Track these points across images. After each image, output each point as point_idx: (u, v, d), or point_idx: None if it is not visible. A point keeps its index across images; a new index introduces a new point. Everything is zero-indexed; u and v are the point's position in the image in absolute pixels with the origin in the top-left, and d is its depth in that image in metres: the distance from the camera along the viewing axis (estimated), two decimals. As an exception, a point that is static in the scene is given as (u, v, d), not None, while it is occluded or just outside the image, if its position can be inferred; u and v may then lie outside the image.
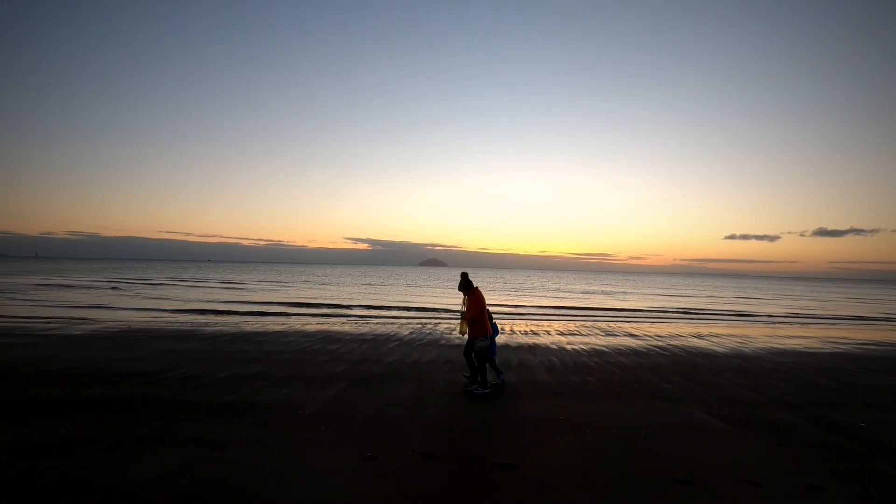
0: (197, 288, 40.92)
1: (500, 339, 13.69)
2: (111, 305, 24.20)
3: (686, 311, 28.74)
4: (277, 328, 15.48)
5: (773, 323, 23.51)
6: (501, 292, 45.68)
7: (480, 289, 7.42)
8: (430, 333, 14.64)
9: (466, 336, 7.26)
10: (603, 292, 50.25)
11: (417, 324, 17.68)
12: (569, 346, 12.47)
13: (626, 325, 19.62)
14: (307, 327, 15.87)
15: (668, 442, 5.13)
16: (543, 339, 13.85)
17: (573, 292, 49.23)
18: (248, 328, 15.31)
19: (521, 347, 12.19)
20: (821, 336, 16.97)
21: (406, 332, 14.69)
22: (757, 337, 16.03)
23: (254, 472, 4.07)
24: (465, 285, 7.21)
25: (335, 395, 6.84)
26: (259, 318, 19.67)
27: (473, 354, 7.13)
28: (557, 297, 39.79)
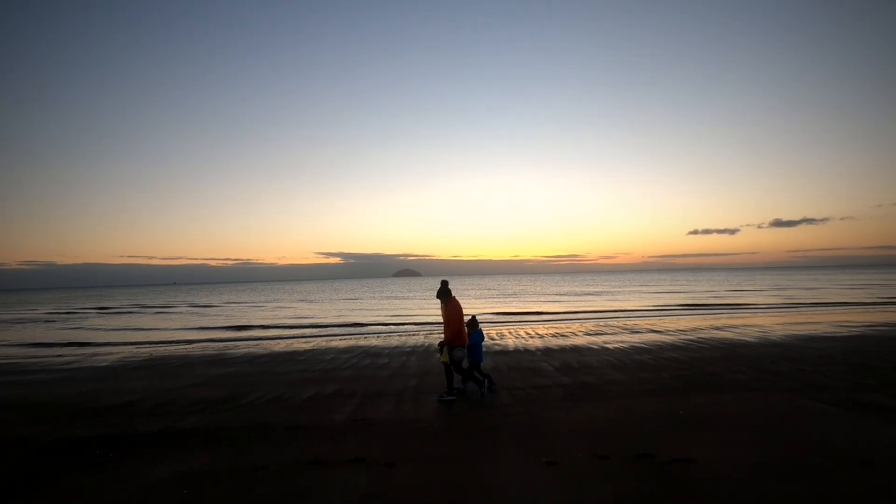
0: (169, 315, 39.56)
1: (537, 343, 13.84)
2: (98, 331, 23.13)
3: (686, 307, 29.53)
4: (307, 346, 15.17)
5: (772, 312, 24.46)
6: (489, 299, 45.89)
7: (458, 299, 7.41)
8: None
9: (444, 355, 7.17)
10: (589, 293, 51.14)
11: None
12: (610, 346, 12.67)
13: (641, 322, 20.06)
14: (335, 344, 15.60)
15: (806, 427, 5.30)
16: (578, 341, 14.02)
17: (563, 294, 49.96)
18: (278, 349, 14.94)
19: (564, 349, 12.32)
20: (827, 321, 17.75)
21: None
22: (771, 326, 16.64)
23: (451, 486, 4.02)
24: (444, 293, 7.22)
25: (441, 408, 6.79)
26: (276, 339, 19.19)
27: (452, 364, 7.06)
28: (552, 301, 40.29)
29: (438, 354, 7.11)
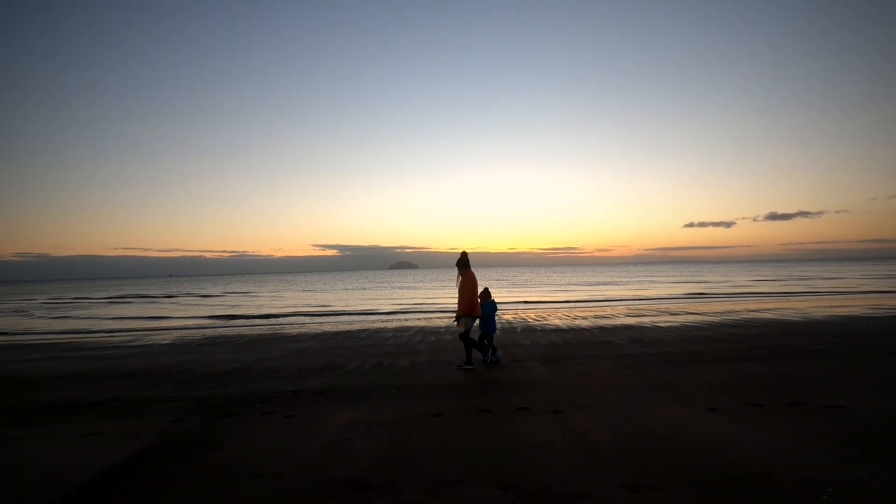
0: (181, 304, 39.73)
1: (585, 323, 14.20)
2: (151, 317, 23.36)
3: (704, 295, 29.96)
4: (358, 327, 15.45)
5: (796, 298, 24.93)
6: (505, 289, 46.32)
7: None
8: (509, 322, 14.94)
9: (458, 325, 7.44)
10: (600, 283, 51.67)
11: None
12: (663, 325, 13.03)
13: (672, 306, 20.48)
14: (385, 325, 15.91)
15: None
16: (625, 321, 14.36)
17: (574, 285, 50.44)
18: (332, 329, 15.22)
19: (618, 328, 12.63)
20: (859, 304, 18.20)
21: (507, 318, 14.91)
22: (805, 308, 17.07)
23: (637, 424, 4.35)
24: (463, 263, 7.49)
25: (551, 370, 7.12)
26: (316, 322, 19.47)
27: (461, 334, 7.35)
28: (567, 291, 40.74)
29: (455, 324, 7.42)
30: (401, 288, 50.63)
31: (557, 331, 12.42)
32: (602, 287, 41.38)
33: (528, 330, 12.63)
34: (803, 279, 45.10)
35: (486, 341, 7.81)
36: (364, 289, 51.45)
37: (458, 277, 7.54)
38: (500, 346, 9.98)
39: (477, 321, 7.64)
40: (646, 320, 14.53)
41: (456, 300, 7.58)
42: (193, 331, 16.85)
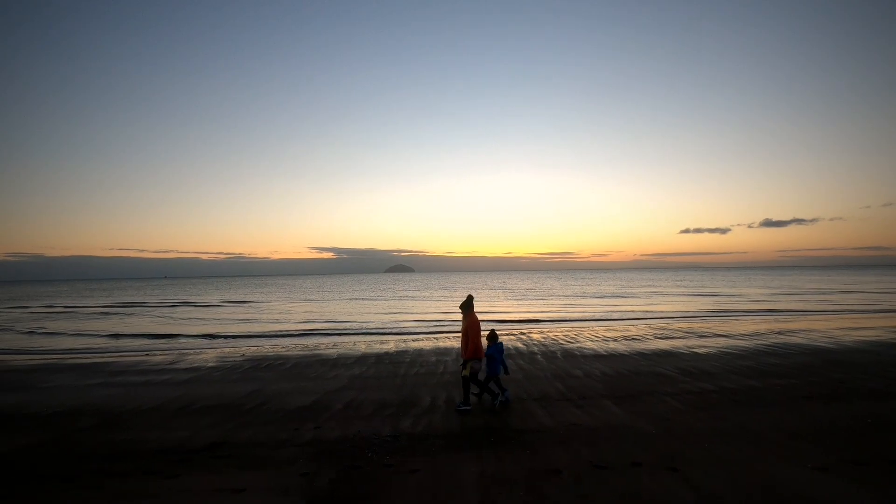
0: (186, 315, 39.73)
1: (620, 346, 14.47)
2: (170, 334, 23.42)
3: (720, 312, 30.33)
4: (391, 348, 15.65)
5: (809, 315, 25.35)
6: (515, 300, 46.52)
7: (476, 294, 8.01)
8: (559, 340, 15.19)
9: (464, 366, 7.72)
10: (607, 294, 52.08)
11: (517, 333, 18.17)
12: (700, 351, 13.32)
13: (696, 325, 20.80)
14: (416, 345, 16.12)
15: None
16: (658, 344, 14.65)
17: (581, 296, 50.81)
18: (361, 348, 15.41)
19: (657, 353, 12.94)
20: (879, 326, 18.60)
21: (536, 338, 15.17)
22: (828, 331, 17.41)
23: (740, 487, 4.63)
24: (467, 306, 7.88)
25: (626, 411, 7.39)
26: (343, 340, 19.63)
27: (466, 376, 7.62)
28: (578, 304, 41.10)
29: (461, 367, 7.75)
30: (410, 299, 50.69)
31: (598, 357, 12.68)
32: (612, 300, 41.69)
33: (569, 356, 12.88)
34: (814, 293, 45.71)
35: (491, 384, 8.03)
36: (368, 299, 51.51)
37: (463, 318, 7.86)
38: (554, 376, 10.35)
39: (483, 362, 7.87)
40: (678, 343, 14.83)
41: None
42: (227, 348, 17.01)
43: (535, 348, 14.45)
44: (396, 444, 6.06)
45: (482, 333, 7.98)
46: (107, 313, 37.43)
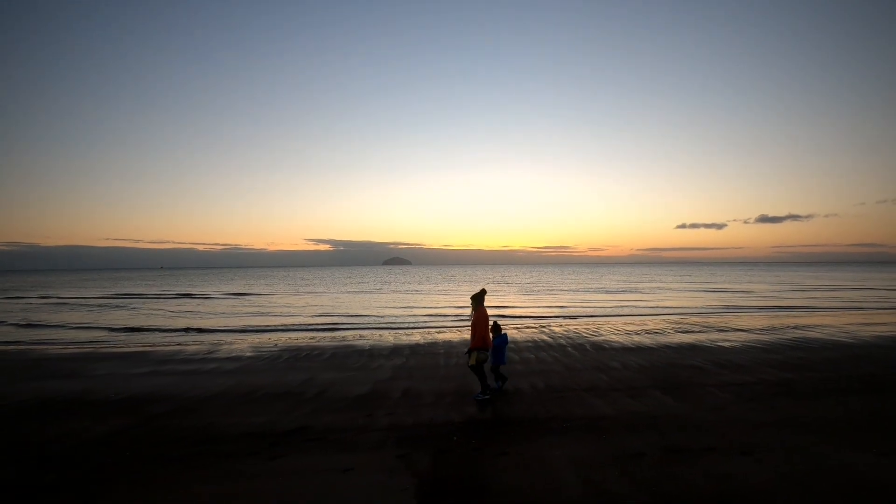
0: (196, 306, 39.98)
1: (645, 339, 14.86)
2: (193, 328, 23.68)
3: (733, 308, 30.81)
4: (420, 339, 16.00)
5: (821, 312, 25.85)
6: (521, 294, 46.94)
7: (485, 286, 8.38)
8: (587, 333, 15.57)
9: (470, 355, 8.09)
10: (609, 290, 52.57)
11: (538, 327, 18.57)
12: (725, 345, 13.70)
13: (712, 320, 21.23)
14: (443, 337, 16.47)
15: None
16: (681, 338, 15.03)
17: (587, 292, 51.28)
18: (389, 339, 15.75)
19: (682, 347, 13.33)
20: (890, 321, 19.08)
21: (559, 331, 15.54)
22: (844, 326, 17.86)
23: (832, 475, 5.00)
24: (478, 299, 8.21)
25: (677, 400, 7.76)
26: (369, 332, 19.96)
27: (474, 365, 7.99)
28: (588, 298, 41.52)
29: (467, 357, 8.14)
30: (416, 293, 51.03)
31: (627, 350, 13.06)
32: (619, 295, 42.13)
33: (599, 349, 13.25)
34: (817, 290, 46.30)
35: (494, 371, 8.53)
36: (374, 292, 51.87)
37: (471, 311, 8.22)
38: (594, 367, 10.71)
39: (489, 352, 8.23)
40: (701, 337, 15.22)
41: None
42: (256, 339, 17.32)
43: (563, 341, 14.82)
44: (475, 430, 6.40)
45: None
46: (118, 305, 37.65)
